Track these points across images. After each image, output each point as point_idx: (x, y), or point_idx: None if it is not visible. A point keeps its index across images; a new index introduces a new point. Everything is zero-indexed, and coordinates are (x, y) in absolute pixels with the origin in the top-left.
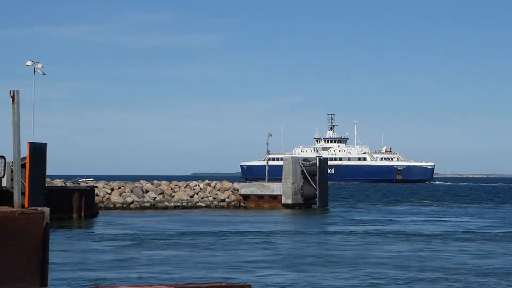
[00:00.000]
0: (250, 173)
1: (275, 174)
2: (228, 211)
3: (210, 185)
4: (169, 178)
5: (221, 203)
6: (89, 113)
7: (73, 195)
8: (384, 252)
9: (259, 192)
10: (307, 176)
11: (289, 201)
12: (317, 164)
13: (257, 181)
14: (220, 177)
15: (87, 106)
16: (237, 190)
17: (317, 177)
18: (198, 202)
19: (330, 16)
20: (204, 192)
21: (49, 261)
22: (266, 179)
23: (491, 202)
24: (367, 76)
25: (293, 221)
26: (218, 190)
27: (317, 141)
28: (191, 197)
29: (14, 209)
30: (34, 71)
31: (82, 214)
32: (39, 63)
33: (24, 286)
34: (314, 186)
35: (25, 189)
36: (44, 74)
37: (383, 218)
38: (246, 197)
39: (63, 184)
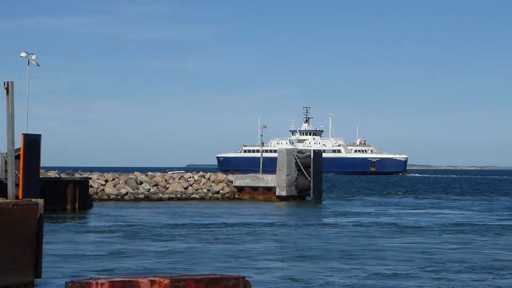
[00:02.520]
0: (226, 165)
1: (251, 165)
2: (222, 203)
3: (204, 177)
4: (164, 170)
5: (216, 195)
6: (84, 105)
7: (67, 186)
8: (383, 244)
9: (253, 184)
10: (301, 168)
11: (283, 193)
12: (312, 156)
13: (233, 173)
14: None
15: (82, 98)
16: (232, 182)
17: (311, 169)
18: (192, 194)
19: (307, 9)
20: (199, 184)
21: (43, 252)
22: (261, 171)
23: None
24: (342, 69)
25: (287, 213)
26: (213, 182)
27: (292, 133)
28: (185, 188)
29: (8, 201)
30: (28, 62)
31: (76, 205)
32: (33, 54)
33: (18, 277)
34: (308, 178)
35: (19, 180)
36: (38, 66)
37: (380, 210)
38: (240, 189)
39: (57, 176)
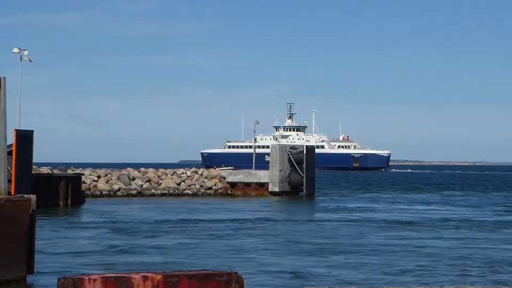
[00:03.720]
0: (211, 161)
1: (236, 161)
2: (215, 198)
3: (197, 173)
4: (156, 166)
5: (208, 191)
6: (76, 101)
7: (60, 182)
8: (377, 239)
9: (246, 180)
10: (294, 164)
11: (276, 189)
12: (304, 152)
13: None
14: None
15: (74, 94)
16: (224, 178)
17: (304, 165)
18: (185, 190)
19: (288, 6)
20: (191, 179)
21: (35, 248)
22: (253, 167)
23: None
24: (326, 66)
25: (279, 209)
26: (205, 177)
27: (276, 129)
28: (178, 184)
29: (1, 196)
30: (21, 58)
31: (69, 201)
32: (25, 50)
33: (10, 273)
34: (301, 174)
35: (12, 176)
36: (31, 61)
37: (374, 205)
38: (233, 184)
39: (50, 172)
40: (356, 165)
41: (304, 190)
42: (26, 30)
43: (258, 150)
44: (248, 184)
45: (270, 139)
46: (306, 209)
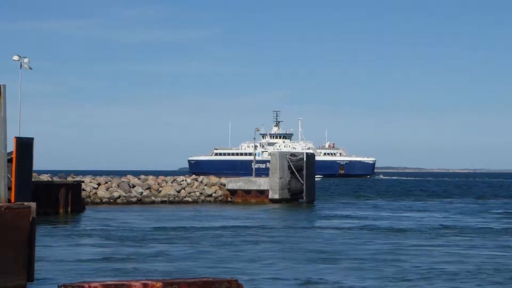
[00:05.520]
0: (198, 168)
1: (222, 169)
2: (215, 206)
3: (197, 180)
4: (156, 173)
5: (208, 198)
6: (76, 108)
7: (60, 190)
8: (378, 245)
9: (246, 187)
10: (294, 171)
11: (276, 196)
12: (304, 159)
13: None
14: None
15: (74, 101)
16: (224, 185)
17: (304, 172)
18: (185, 197)
19: (273, 13)
20: (191, 187)
21: (35, 256)
22: (253, 174)
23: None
24: (312, 74)
25: (280, 216)
26: (205, 185)
27: (263, 136)
28: (178, 192)
29: (1, 204)
30: (21, 65)
31: (69, 209)
32: (25, 57)
33: (10, 281)
34: (301, 181)
35: (12, 184)
36: (31, 69)
37: (374, 213)
38: (233, 192)
39: (50, 179)
40: (342, 172)
41: (304, 197)
42: (26, 37)
43: (245, 158)
44: (248, 192)
45: (257, 146)
46: (307, 216)
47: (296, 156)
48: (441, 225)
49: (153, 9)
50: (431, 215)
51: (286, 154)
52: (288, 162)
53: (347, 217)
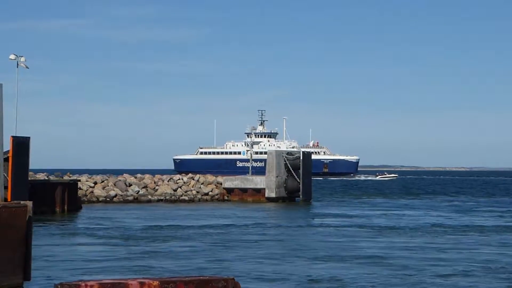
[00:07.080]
0: (183, 167)
1: (207, 167)
2: (211, 204)
3: (193, 179)
4: (153, 172)
5: (205, 197)
6: (73, 107)
7: (56, 189)
8: (378, 244)
9: (242, 186)
10: (291, 169)
11: (273, 195)
12: (301, 158)
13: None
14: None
15: (70, 100)
16: (221, 184)
17: (300, 171)
18: (181, 196)
19: (262, 13)
20: (188, 185)
21: (32, 254)
22: (250, 172)
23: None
24: (296, 73)
25: (277, 215)
26: (202, 183)
27: (247, 135)
28: (175, 190)
29: None
30: (17, 64)
31: (65, 207)
32: (22, 56)
33: (7, 280)
34: (298, 179)
35: (8, 182)
36: (27, 68)
37: (372, 212)
38: (229, 190)
39: (46, 178)
40: (326, 170)
41: (301, 196)
42: (23, 36)
43: (230, 156)
44: (244, 190)
45: (242, 145)
46: (304, 214)
47: (293, 155)
48: (438, 224)
49: (150, 8)
50: (428, 213)
51: (283, 153)
52: (285, 161)
53: (344, 215)
